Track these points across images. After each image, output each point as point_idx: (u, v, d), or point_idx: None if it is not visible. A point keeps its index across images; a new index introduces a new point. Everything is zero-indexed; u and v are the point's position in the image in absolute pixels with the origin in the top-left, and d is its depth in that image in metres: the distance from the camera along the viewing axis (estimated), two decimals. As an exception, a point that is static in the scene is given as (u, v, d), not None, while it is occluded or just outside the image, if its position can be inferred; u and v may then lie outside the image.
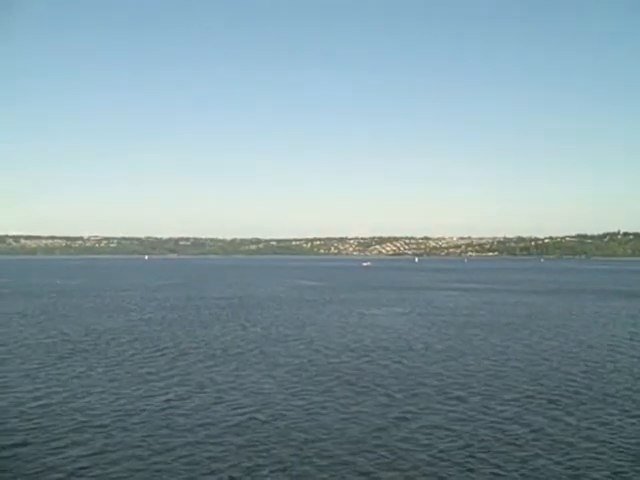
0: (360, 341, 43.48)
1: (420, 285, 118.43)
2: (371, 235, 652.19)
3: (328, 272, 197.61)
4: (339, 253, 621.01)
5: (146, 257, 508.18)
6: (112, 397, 26.92)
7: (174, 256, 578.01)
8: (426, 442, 21.04)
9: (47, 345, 40.91)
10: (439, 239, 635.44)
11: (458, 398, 27.10)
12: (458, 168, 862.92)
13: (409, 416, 24.23)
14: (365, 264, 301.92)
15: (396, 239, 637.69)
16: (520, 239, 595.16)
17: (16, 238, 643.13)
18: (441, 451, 20.17)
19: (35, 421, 23.16)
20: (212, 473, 18.30)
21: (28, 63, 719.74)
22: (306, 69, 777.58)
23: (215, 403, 26.05)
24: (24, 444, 20.54)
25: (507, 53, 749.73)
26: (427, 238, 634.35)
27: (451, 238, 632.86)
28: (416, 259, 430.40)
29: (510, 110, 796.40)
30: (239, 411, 24.81)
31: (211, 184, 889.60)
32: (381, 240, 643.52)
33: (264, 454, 19.83)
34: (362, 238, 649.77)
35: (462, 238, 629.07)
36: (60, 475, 18.04)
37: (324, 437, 21.55)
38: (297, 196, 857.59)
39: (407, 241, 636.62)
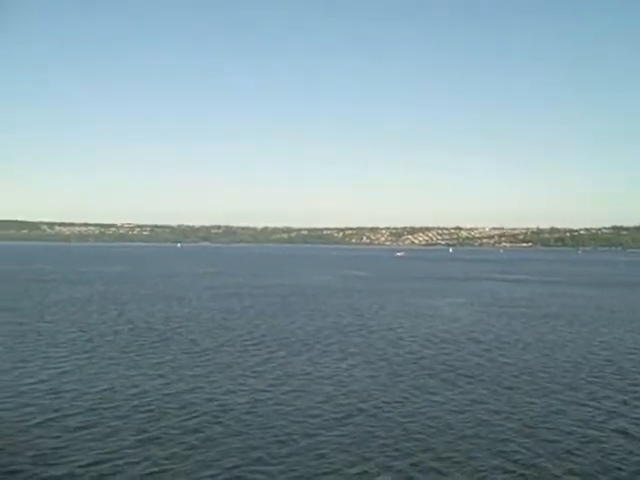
0: (431, 332, 42.87)
1: (466, 276, 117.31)
2: (403, 225, 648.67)
3: (366, 261, 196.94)
4: (371, 243, 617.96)
5: (179, 245, 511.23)
6: (207, 385, 26.66)
7: (206, 244, 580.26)
8: (548, 438, 20.40)
9: (121, 332, 40.89)
10: (471, 229, 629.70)
11: (556, 392, 26.39)
12: (490, 158, 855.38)
13: (511, 409, 23.62)
14: (399, 254, 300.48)
15: (428, 229, 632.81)
16: (554, 230, 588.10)
17: (50, 225, 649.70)
18: (568, 452, 19.49)
19: (142, 409, 22.95)
20: (326, 465, 17.87)
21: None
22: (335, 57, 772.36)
23: (310, 393, 25.63)
24: (139, 431, 20.31)
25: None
26: (459, 228, 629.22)
27: (483, 228, 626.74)
28: (450, 249, 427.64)
29: (542, 99, 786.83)
30: (337, 402, 24.36)
31: (243, 173, 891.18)
32: (413, 230, 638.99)
33: (375, 449, 19.28)
34: (394, 228, 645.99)
35: (495, 228, 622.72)
36: (180, 462, 17.75)
37: (431, 431, 20.99)
38: (329, 185, 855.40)
39: (439, 231, 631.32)
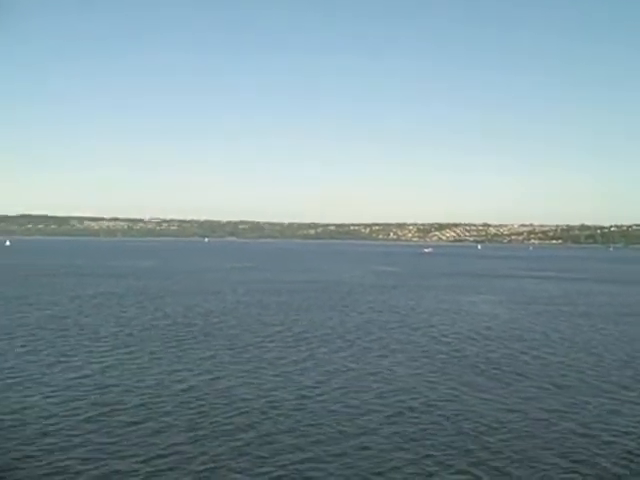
0: (472, 329, 42.39)
1: (497, 272, 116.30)
2: (430, 221, 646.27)
3: (395, 258, 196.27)
4: (398, 239, 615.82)
5: (206, 239, 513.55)
6: (254, 381, 26.45)
7: (233, 239, 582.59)
8: (606, 438, 19.88)
9: (160, 327, 40.86)
10: (500, 226, 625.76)
11: (609, 391, 25.80)
12: (518, 154, 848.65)
13: (565, 408, 23.11)
14: (426, 250, 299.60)
15: (456, 225, 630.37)
16: (584, 227, 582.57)
17: (79, 220, 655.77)
18: (628, 452, 18.97)
19: (191, 404, 22.77)
20: (383, 463, 17.54)
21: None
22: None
23: (358, 390, 25.29)
24: (190, 427, 20.12)
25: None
26: (487, 225, 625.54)
27: (512, 225, 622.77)
28: (478, 246, 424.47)
29: (571, 94, 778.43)
30: (387, 399, 24.00)
31: (269, 168, 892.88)
32: (440, 226, 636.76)
33: (432, 447, 18.91)
34: (421, 224, 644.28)
35: (523, 225, 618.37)
36: (233, 459, 17.51)
37: (486, 429, 20.54)
38: (356, 181, 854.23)
39: (467, 228, 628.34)
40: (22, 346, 33.27)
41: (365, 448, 18.68)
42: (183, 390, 24.84)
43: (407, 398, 24.19)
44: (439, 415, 22.03)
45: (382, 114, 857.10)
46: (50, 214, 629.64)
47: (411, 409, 22.71)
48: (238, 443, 18.87)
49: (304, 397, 24.12)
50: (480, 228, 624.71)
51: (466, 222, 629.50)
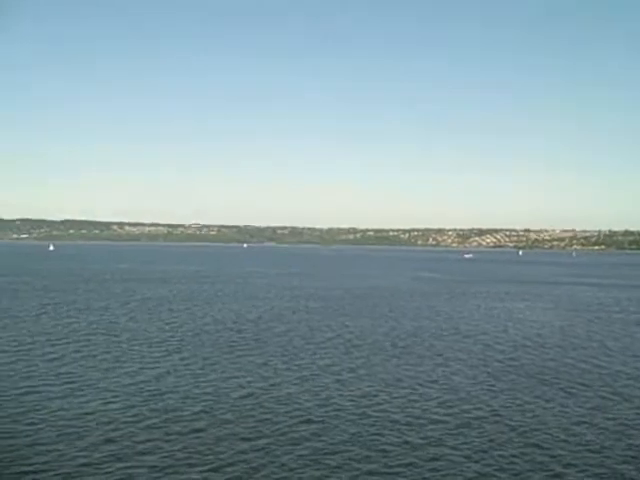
0: (525, 336, 41.73)
1: (542, 279, 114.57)
2: (470, 227, 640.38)
3: (436, 263, 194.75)
4: (437, 244, 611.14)
5: (245, 245, 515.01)
6: (313, 388, 26.20)
7: (272, 244, 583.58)
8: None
9: (211, 332, 40.88)
10: (541, 231, 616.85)
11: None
12: (561, 158, 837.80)
13: (635, 418, 22.37)
14: (467, 256, 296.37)
15: (496, 231, 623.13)
16: (628, 232, 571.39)
17: (120, 225, 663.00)
18: None
19: (253, 412, 22.59)
20: (456, 474, 17.13)
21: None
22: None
23: (418, 400, 24.86)
24: (255, 435, 19.90)
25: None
26: (528, 230, 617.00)
27: (553, 230, 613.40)
28: (520, 252, 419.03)
29: (610, 95, 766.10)
30: (451, 408, 23.56)
31: (309, 173, 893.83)
32: (480, 232, 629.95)
33: (503, 459, 18.44)
34: (461, 229, 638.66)
35: (565, 231, 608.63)
36: (303, 468, 17.23)
37: (557, 440, 20.00)
38: (395, 186, 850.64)
39: (507, 233, 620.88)
40: (76, 351, 33.47)
41: (433, 459, 18.28)
42: (241, 397, 24.67)
43: (470, 407, 23.70)
44: (506, 425, 21.52)
45: (422, 118, 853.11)
46: (92, 219, 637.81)
47: (476, 419, 22.23)
48: (304, 452, 18.61)
49: (364, 405, 23.78)
50: (521, 234, 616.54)
51: (507, 227, 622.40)
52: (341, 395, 25.25)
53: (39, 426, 20.49)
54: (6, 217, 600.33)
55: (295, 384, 26.96)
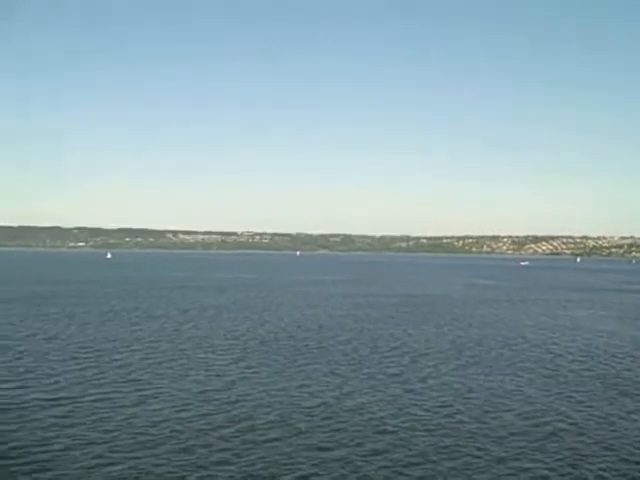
0: (594, 345, 40.66)
1: (605, 286, 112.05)
2: (525, 234, 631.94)
3: (492, 271, 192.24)
4: (492, 252, 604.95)
5: (298, 253, 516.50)
6: (384, 398, 25.69)
7: (324, 252, 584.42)
8: None
9: (273, 341, 40.74)
10: (598, 238, 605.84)
11: None
12: (617, 162, 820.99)
13: None
14: (523, 263, 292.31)
15: (552, 238, 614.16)
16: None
17: (174, 233, 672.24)
18: None
19: (325, 422, 22.21)
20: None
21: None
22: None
23: (495, 411, 24.14)
24: (334, 445, 19.52)
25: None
26: (586, 237, 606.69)
27: (612, 237, 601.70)
28: (577, 259, 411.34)
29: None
30: (530, 422, 22.75)
31: (361, 181, 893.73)
32: (536, 239, 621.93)
33: (594, 476, 17.66)
34: (516, 237, 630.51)
35: (624, 237, 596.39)
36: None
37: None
38: (449, 193, 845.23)
39: (564, 240, 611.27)
40: (143, 359, 33.56)
41: (519, 472, 17.65)
42: (314, 406, 24.31)
43: (549, 419, 22.93)
44: (589, 438, 20.73)
45: (475, 125, 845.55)
46: (147, 227, 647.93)
47: (558, 431, 21.46)
48: (385, 463, 18.17)
49: (440, 416, 23.20)
50: (578, 241, 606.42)
51: (563, 234, 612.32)
52: (414, 405, 24.71)
53: (114, 434, 20.45)
54: (64, 226, 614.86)
55: (366, 393, 26.50)
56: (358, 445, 19.77)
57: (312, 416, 22.93)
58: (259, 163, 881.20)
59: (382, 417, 22.90)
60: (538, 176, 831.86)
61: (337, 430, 21.23)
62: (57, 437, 19.99)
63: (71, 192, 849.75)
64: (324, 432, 21.00)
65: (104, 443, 19.54)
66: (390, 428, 21.55)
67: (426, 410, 23.96)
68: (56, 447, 19.08)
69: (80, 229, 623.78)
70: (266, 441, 19.99)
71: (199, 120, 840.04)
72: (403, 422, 22.28)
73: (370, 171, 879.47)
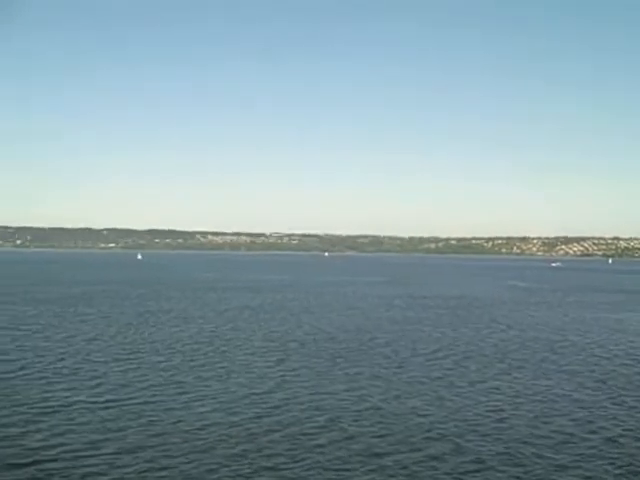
0: (642, 349, 39.66)
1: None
2: (556, 235, 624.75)
3: (523, 272, 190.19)
4: (522, 253, 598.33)
5: (326, 254, 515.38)
6: (432, 401, 25.26)
7: (352, 253, 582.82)
8: None
9: (314, 343, 40.46)
10: (630, 239, 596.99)
11: None
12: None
13: None
14: (554, 264, 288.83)
15: (583, 239, 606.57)
16: None
17: (203, 234, 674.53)
18: None
19: (381, 426, 21.80)
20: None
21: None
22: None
23: (548, 415, 23.63)
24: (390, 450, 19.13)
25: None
26: (617, 238, 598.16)
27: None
28: (609, 260, 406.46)
29: None
30: (587, 427, 22.17)
31: (389, 182, 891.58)
32: (567, 240, 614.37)
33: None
34: (546, 238, 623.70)
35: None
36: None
37: None
38: (477, 194, 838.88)
39: (595, 241, 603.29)
40: (185, 361, 33.40)
41: (585, 479, 17.11)
42: (364, 409, 23.95)
43: (606, 425, 22.47)
44: (651, 446, 20.06)
45: (509, 127, 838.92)
46: (176, 229, 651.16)
47: (619, 437, 20.93)
48: (446, 470, 17.74)
49: (495, 420, 22.72)
50: (609, 242, 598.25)
51: (594, 235, 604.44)
52: (464, 409, 24.22)
53: (164, 438, 20.21)
54: (95, 227, 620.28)
55: (413, 397, 26.07)
56: (412, 451, 19.35)
57: (362, 420, 22.53)
58: (290, 164, 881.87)
59: (433, 422, 22.44)
60: (569, 175, 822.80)
61: (389, 435, 20.82)
62: (106, 441, 19.81)
63: (101, 194, 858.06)
64: (376, 437, 20.60)
65: (154, 447, 19.31)
66: (442, 433, 21.10)
67: (477, 414, 23.48)
68: (106, 451, 18.89)
69: (110, 230, 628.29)
70: (317, 446, 19.63)
71: (229, 121, 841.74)
72: (455, 427, 21.81)
73: (399, 173, 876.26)
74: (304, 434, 20.80)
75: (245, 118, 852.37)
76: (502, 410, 24.23)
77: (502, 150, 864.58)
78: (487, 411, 24.04)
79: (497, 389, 27.82)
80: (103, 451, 18.87)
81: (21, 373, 29.47)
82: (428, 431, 21.32)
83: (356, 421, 22.40)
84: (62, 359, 33.15)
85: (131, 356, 34.44)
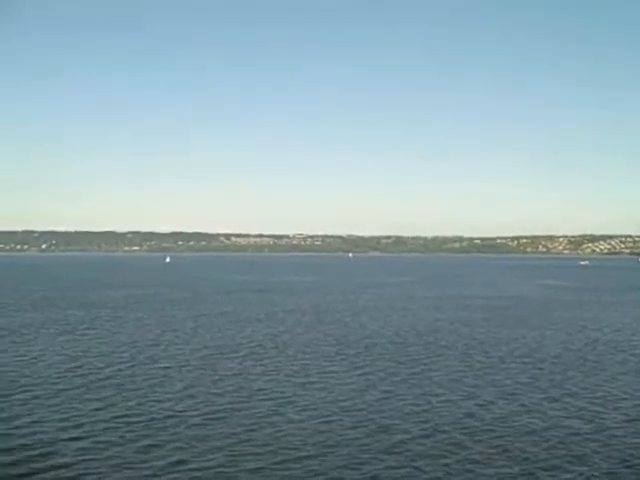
0: None
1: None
2: (582, 233, 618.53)
3: (554, 271, 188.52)
4: (547, 251, 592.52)
5: (350, 255, 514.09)
6: (531, 409, 24.62)
7: (376, 254, 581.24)
8: None
9: (377, 345, 39.92)
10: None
11: None
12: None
13: None
14: (582, 263, 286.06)
15: (610, 237, 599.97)
16: None
17: (227, 236, 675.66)
18: None
19: (487, 435, 21.20)
20: None
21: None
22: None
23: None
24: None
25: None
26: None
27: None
28: (639, 258, 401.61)
29: None
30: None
31: (411, 182, 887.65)
32: (593, 238, 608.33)
33: None
34: (572, 236, 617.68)
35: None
36: None
37: None
38: (501, 193, 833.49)
39: (622, 239, 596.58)
40: (255, 366, 32.90)
41: None
42: (462, 417, 23.33)
43: None
44: None
45: (527, 127, 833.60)
46: (199, 231, 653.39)
47: None
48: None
49: (602, 428, 22.02)
50: (637, 239, 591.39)
51: (622, 233, 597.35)
52: (567, 415, 23.65)
53: (265, 448, 19.76)
54: (119, 230, 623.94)
55: (509, 402, 25.48)
56: (525, 460, 18.74)
57: (463, 427, 21.89)
58: (311, 166, 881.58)
59: (536, 430, 21.77)
60: (595, 173, 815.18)
61: (496, 443, 20.18)
62: (218, 450, 19.42)
63: (126, 198, 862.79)
64: (483, 445, 19.99)
65: (252, 456, 18.97)
66: (553, 440, 20.49)
67: (585, 421, 22.83)
68: (213, 463, 18.48)
69: (134, 233, 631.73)
70: (425, 456, 19.04)
71: (250, 122, 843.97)
72: (566, 435, 21.15)
73: (423, 172, 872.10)
74: (406, 442, 20.31)
75: (267, 120, 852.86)
76: (604, 417, 23.50)
77: (526, 150, 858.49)
78: (591, 416, 23.43)
79: (592, 392, 27.36)
80: (211, 463, 18.46)
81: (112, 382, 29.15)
82: (538, 439, 20.66)
83: (458, 428, 21.81)
84: (134, 365, 32.87)
85: (203, 361, 34.14)
